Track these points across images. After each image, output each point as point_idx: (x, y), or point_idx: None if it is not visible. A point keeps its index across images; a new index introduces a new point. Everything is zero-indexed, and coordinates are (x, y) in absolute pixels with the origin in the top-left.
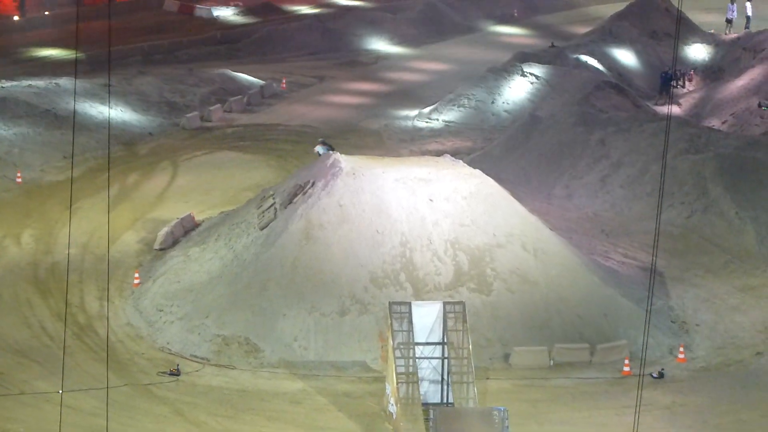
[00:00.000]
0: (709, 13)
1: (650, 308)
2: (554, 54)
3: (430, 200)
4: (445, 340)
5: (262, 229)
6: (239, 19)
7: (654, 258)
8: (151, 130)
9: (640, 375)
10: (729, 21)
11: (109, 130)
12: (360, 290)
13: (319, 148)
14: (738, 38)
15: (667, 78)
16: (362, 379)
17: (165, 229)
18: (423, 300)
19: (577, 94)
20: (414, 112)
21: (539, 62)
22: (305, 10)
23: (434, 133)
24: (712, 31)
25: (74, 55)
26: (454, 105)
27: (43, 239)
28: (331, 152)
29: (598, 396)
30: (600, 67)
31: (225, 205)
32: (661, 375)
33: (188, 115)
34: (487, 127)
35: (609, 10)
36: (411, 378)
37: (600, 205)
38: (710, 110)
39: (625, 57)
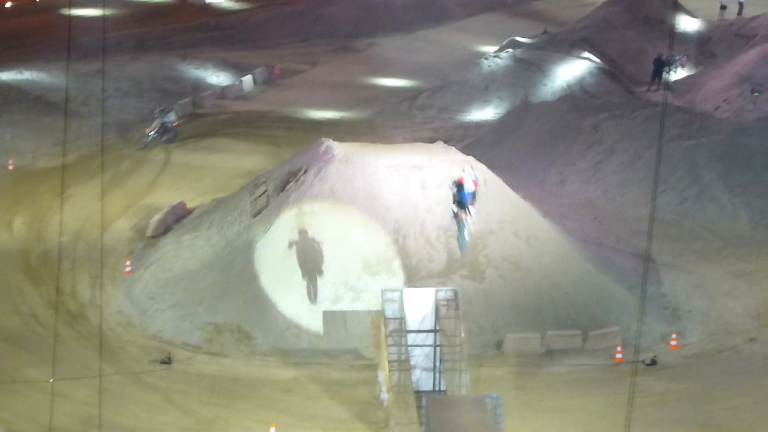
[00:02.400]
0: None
1: (645, 294)
2: (547, 40)
3: (423, 187)
4: (438, 328)
5: (254, 216)
6: (232, 5)
7: (648, 244)
8: (143, 116)
9: (634, 362)
10: (723, 7)
11: (103, 116)
12: (352, 278)
13: (165, 117)
14: (731, 24)
15: (660, 64)
16: (354, 366)
17: (157, 217)
18: (416, 287)
19: (570, 80)
20: (407, 99)
21: (532, 48)
22: None
23: (427, 120)
24: (706, 16)
25: (67, 42)
26: (446, 91)
27: (34, 226)
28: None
29: (590, 383)
30: (593, 53)
31: (217, 192)
32: (653, 362)
33: (181, 102)
34: (480, 114)
35: None
36: (403, 365)
37: (593, 192)
38: (703, 96)
39: (618, 43)
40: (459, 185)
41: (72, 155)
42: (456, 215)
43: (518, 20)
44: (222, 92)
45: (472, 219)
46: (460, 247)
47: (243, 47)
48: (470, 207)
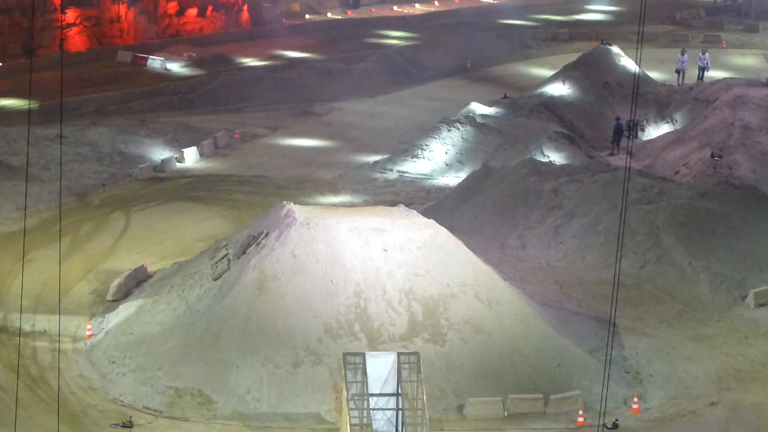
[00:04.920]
0: (662, 63)
1: (609, 357)
2: (507, 105)
3: (385, 250)
4: (400, 391)
5: (215, 279)
6: (192, 71)
7: (613, 308)
8: (104, 180)
9: (599, 425)
10: (677, 71)
11: (60, 181)
12: (314, 341)
13: None
14: (691, 88)
15: (620, 128)
16: (316, 430)
17: (118, 281)
18: (377, 351)
19: (530, 144)
20: (368, 162)
21: (492, 113)
22: (258, 61)
23: (388, 183)
24: (666, 81)
25: (27, 106)
26: (408, 155)
27: None
28: None
29: None
30: (552, 117)
31: (178, 256)
32: (615, 425)
33: (141, 166)
34: (441, 177)
35: (562, 60)
36: (365, 429)
37: (553, 255)
38: (663, 160)
39: (578, 107)
40: None
41: (33, 219)
42: None
43: (478, 85)
44: (182, 156)
45: None
46: None
47: (203, 111)
48: None
